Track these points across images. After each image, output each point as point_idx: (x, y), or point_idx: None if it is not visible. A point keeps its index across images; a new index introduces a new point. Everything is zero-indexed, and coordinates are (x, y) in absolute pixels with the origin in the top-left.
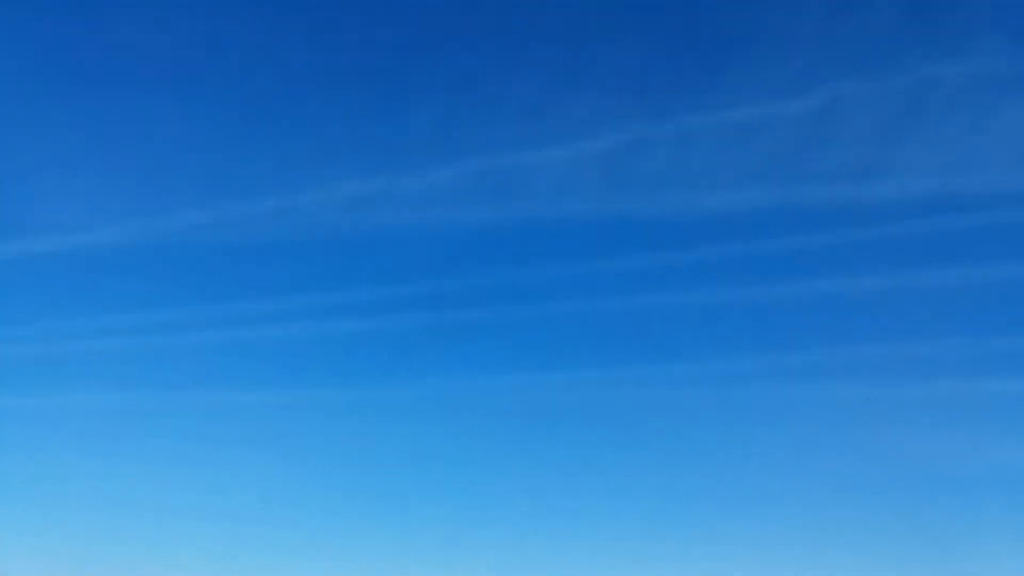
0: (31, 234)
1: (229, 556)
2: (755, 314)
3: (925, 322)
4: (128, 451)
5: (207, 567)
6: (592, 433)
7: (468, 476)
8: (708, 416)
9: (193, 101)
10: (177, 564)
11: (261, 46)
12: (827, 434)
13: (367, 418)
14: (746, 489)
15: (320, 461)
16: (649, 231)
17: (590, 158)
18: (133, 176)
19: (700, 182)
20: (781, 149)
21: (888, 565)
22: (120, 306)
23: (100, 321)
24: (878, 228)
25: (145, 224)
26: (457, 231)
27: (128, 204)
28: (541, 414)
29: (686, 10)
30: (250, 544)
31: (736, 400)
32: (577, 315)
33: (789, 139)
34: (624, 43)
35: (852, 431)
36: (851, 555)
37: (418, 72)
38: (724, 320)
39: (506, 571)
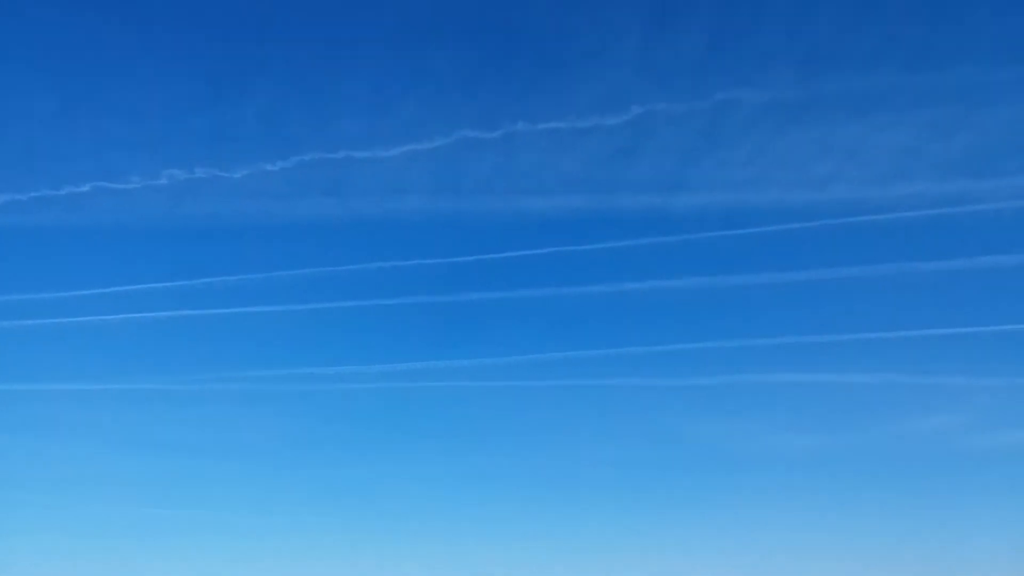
0: None
1: None
2: (571, 311)
3: (722, 320)
4: None
5: None
6: (398, 423)
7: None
8: (516, 405)
9: (17, 85)
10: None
11: (87, 30)
12: (632, 421)
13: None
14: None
15: None
16: (475, 231)
17: (420, 159)
18: None
19: (523, 186)
20: (597, 159)
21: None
22: None
23: None
24: (682, 235)
25: None
26: (286, 223)
27: None
28: (357, 405)
29: (516, 24)
30: None
31: (542, 390)
32: (402, 310)
33: (605, 151)
34: (456, 50)
35: (653, 418)
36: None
37: (250, 65)
38: (541, 315)
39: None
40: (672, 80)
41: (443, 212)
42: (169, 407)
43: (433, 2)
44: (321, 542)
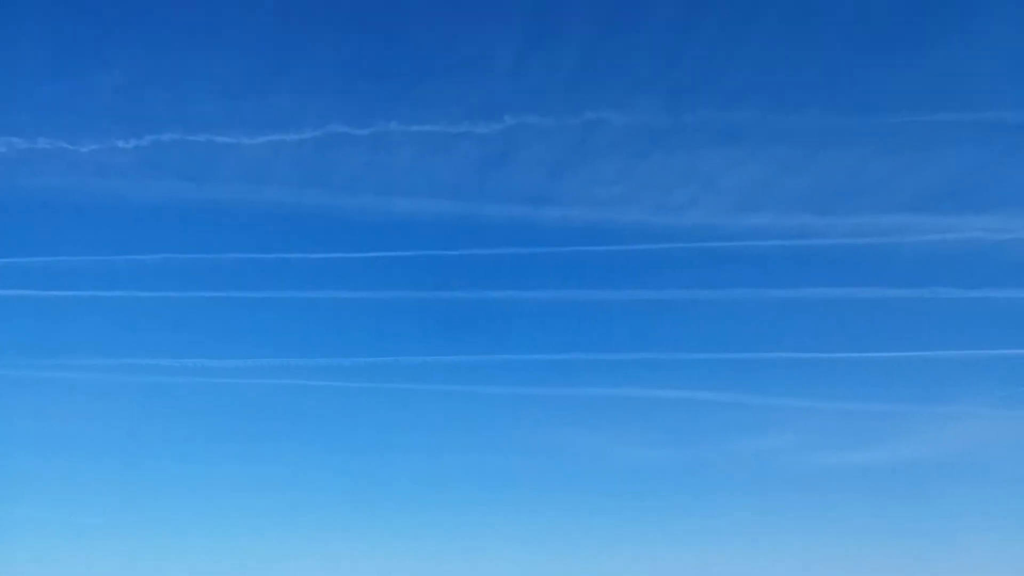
0: None
1: None
2: (430, 315)
3: (580, 333)
4: None
5: None
6: (246, 420)
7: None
8: (366, 406)
9: None
10: None
11: None
12: (483, 430)
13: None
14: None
15: None
16: (338, 228)
17: (286, 149)
18: None
19: (391, 187)
20: (467, 166)
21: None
22: None
23: None
24: (546, 248)
25: None
26: (136, 205)
27: None
28: (205, 399)
29: (396, 23)
30: None
31: (392, 393)
32: (256, 304)
33: (475, 158)
34: (332, 43)
35: (505, 427)
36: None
37: (109, 33)
38: (401, 317)
39: None
40: (545, 95)
41: (307, 206)
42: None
43: None
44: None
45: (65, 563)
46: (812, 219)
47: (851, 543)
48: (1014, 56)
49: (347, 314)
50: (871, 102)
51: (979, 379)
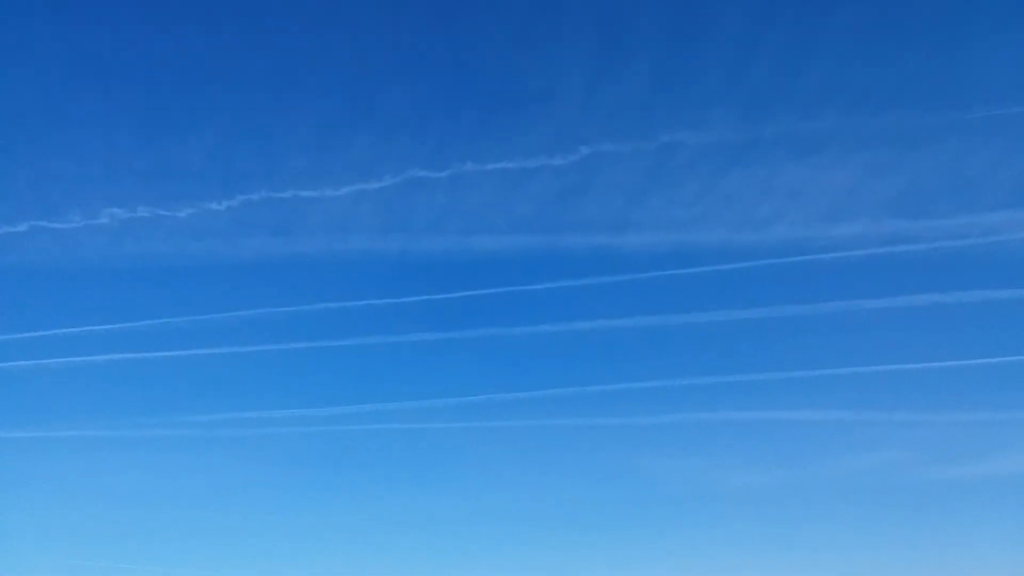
0: None
1: None
2: (521, 351)
3: (672, 359)
4: None
5: None
6: (350, 466)
7: None
8: (468, 447)
9: None
10: None
11: (21, 63)
12: (585, 461)
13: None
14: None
15: None
16: (423, 271)
17: (368, 198)
18: None
19: (472, 226)
20: (545, 199)
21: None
22: None
23: None
24: (630, 275)
25: None
26: (231, 263)
27: None
28: (306, 448)
29: (463, 64)
30: None
31: (493, 431)
32: (351, 352)
33: (553, 191)
34: (404, 90)
35: (606, 458)
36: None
37: (196, 101)
38: (491, 356)
39: None
40: (618, 121)
41: (391, 252)
42: (112, 454)
43: (380, 41)
44: None
45: None
46: (905, 223)
47: (969, 555)
48: None
49: (438, 356)
50: (955, 97)
51: None
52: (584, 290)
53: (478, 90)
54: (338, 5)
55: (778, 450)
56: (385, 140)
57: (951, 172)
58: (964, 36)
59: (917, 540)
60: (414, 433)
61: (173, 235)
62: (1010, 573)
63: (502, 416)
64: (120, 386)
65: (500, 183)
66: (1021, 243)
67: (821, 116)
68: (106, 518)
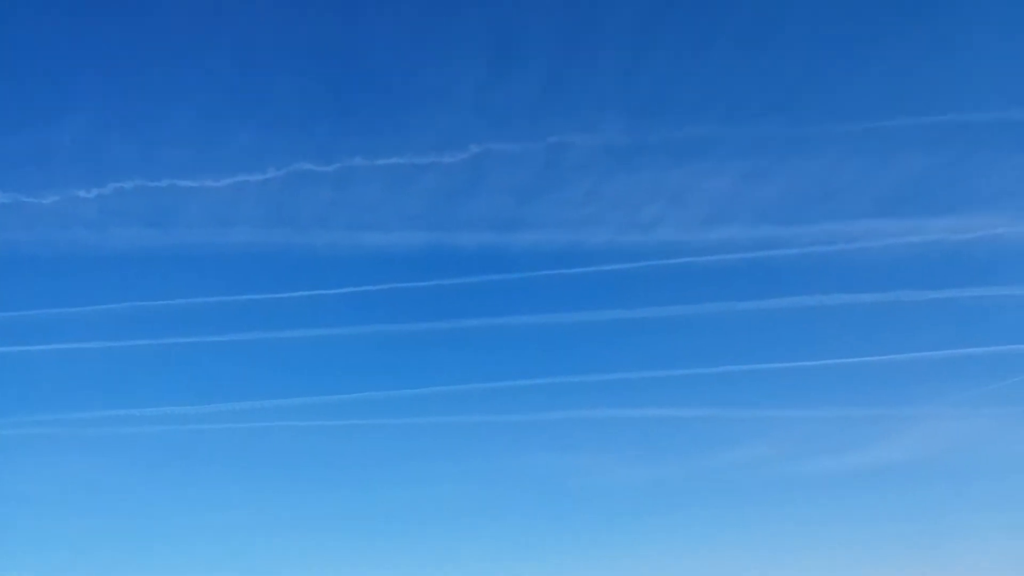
0: None
1: None
2: (407, 348)
3: (557, 357)
4: None
5: None
6: (222, 463)
7: None
8: (353, 443)
9: None
10: None
11: None
12: (471, 457)
13: None
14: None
15: None
16: (307, 266)
17: (251, 190)
18: None
19: (359, 222)
20: (435, 197)
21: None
22: None
23: None
24: (518, 273)
25: None
26: (100, 254)
27: None
28: (175, 445)
29: (356, 58)
30: None
31: (378, 428)
32: (231, 347)
33: (442, 188)
34: (293, 81)
35: (492, 453)
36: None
37: (66, 83)
38: (376, 352)
39: None
40: (509, 121)
41: (274, 246)
42: None
43: (271, 31)
44: None
45: None
46: (778, 229)
47: (833, 547)
48: (970, 60)
49: (320, 352)
50: (830, 110)
51: (949, 379)
52: (471, 288)
53: (370, 85)
54: None
55: (654, 446)
56: (271, 132)
57: (821, 181)
58: (840, 51)
59: (782, 531)
60: (295, 431)
61: (36, 223)
62: (867, 563)
63: (385, 413)
64: None
65: (389, 179)
66: (883, 250)
67: (703, 123)
68: None
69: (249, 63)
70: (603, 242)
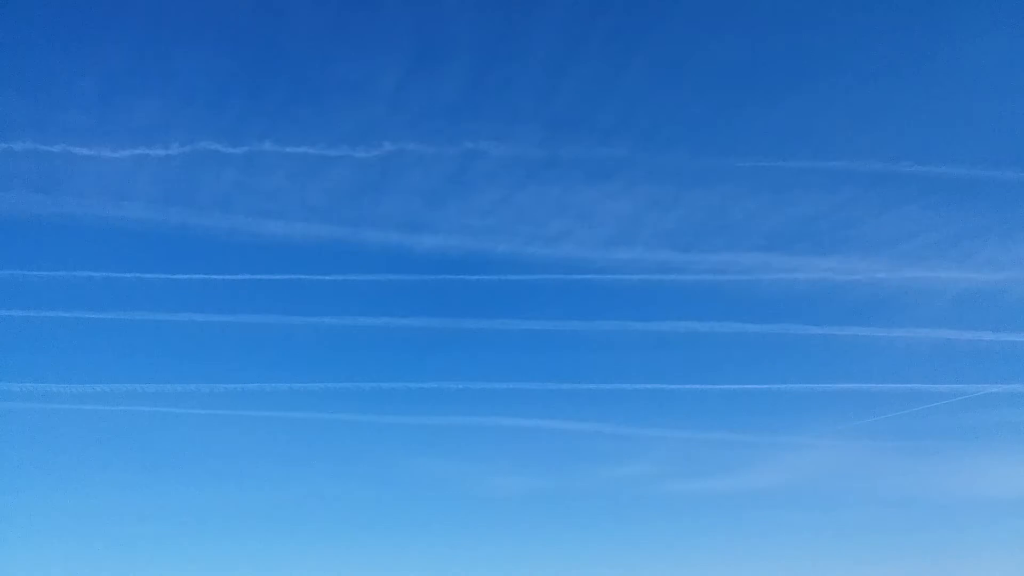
0: None
1: None
2: (300, 341)
3: (449, 362)
4: None
5: None
6: (93, 447)
7: None
8: (230, 435)
9: None
10: None
11: None
12: (355, 458)
13: None
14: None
15: None
16: (204, 249)
17: (151, 164)
18: None
19: (263, 208)
20: (343, 191)
21: None
22: None
23: None
24: (420, 275)
25: None
26: None
27: None
28: (50, 425)
29: (275, 42)
30: None
31: (261, 421)
32: (114, 326)
33: (352, 183)
34: (207, 57)
35: (377, 455)
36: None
37: None
38: (268, 344)
39: None
40: (425, 123)
41: (170, 224)
42: None
43: (190, 3)
44: None
45: None
46: (676, 255)
47: (706, 565)
48: (862, 109)
49: (207, 338)
50: (734, 146)
51: (822, 411)
52: (372, 286)
53: (288, 71)
54: None
55: (542, 458)
56: (179, 106)
57: (720, 213)
58: (751, 90)
59: (658, 548)
60: (171, 417)
61: None
62: None
63: (264, 406)
64: None
65: (297, 168)
66: (772, 284)
67: (615, 145)
68: None
69: (164, 33)
70: (507, 252)
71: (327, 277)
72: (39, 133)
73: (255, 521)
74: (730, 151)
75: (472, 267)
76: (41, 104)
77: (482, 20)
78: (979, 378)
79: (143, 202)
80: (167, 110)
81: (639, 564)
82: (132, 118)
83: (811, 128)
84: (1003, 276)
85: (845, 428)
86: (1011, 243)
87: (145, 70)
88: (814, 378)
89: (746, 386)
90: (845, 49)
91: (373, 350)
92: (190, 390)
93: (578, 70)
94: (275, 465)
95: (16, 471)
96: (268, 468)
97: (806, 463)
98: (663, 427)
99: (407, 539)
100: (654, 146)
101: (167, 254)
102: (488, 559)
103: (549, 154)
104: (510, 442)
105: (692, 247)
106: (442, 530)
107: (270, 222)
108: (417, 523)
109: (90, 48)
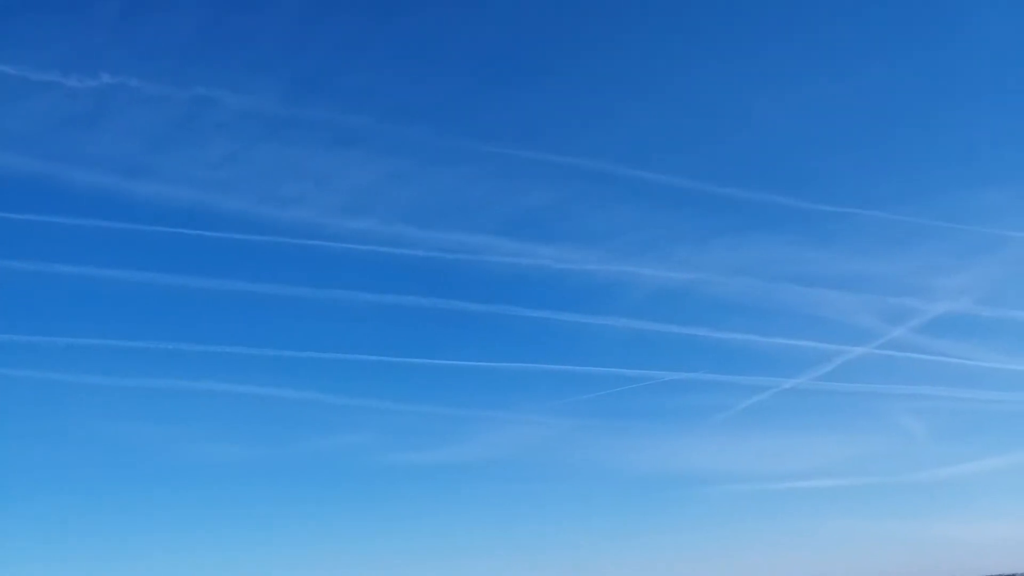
0: None
1: None
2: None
3: (160, 320)
4: None
5: None
6: None
7: None
8: None
9: None
10: None
11: None
12: (53, 418)
13: None
14: None
15: None
16: None
17: None
18: None
19: None
20: (54, 123)
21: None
22: None
23: None
24: (137, 224)
25: None
26: None
27: None
28: None
29: None
30: None
31: None
32: None
33: (61, 115)
34: None
35: (76, 416)
36: None
37: None
38: None
39: None
40: (154, 58)
41: None
42: None
43: None
44: None
45: None
46: (409, 230)
47: (417, 538)
48: (596, 111)
49: None
50: (476, 129)
51: (534, 389)
52: (80, 231)
53: None
54: None
55: (256, 425)
56: None
57: (455, 193)
58: (498, 76)
59: (378, 518)
60: None
61: None
62: (453, 553)
63: None
64: None
65: None
66: (495, 265)
67: (361, 113)
68: None
69: None
70: (236, 209)
71: (23, 217)
72: None
73: None
74: (473, 134)
75: (195, 222)
76: None
77: None
78: (667, 366)
79: None
80: None
81: (353, 535)
82: None
83: (548, 122)
84: (693, 276)
85: (552, 405)
86: (703, 248)
87: None
88: (526, 358)
89: (464, 362)
90: (586, 51)
91: (75, 302)
92: None
93: (331, 31)
94: None
95: None
96: None
97: (517, 437)
98: (382, 398)
99: (95, 504)
100: (400, 119)
101: None
102: (195, 527)
103: (290, 113)
104: (222, 408)
105: (425, 224)
106: (136, 497)
107: None
108: (108, 489)
109: None
